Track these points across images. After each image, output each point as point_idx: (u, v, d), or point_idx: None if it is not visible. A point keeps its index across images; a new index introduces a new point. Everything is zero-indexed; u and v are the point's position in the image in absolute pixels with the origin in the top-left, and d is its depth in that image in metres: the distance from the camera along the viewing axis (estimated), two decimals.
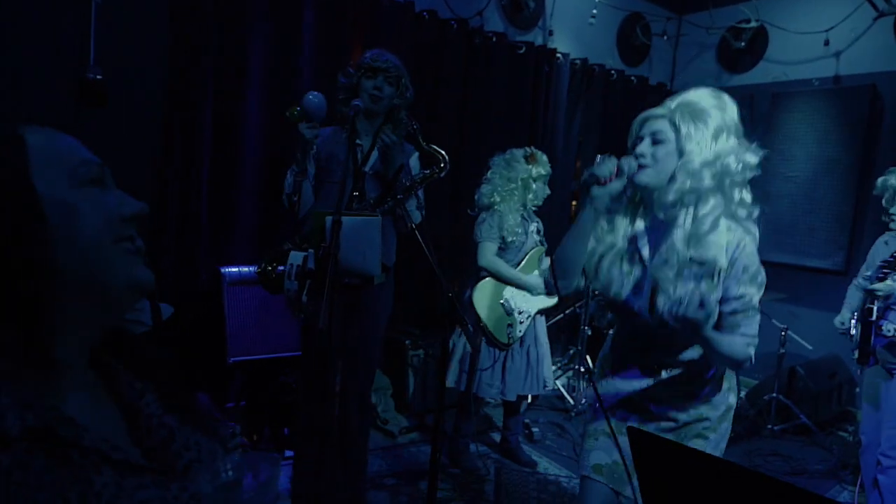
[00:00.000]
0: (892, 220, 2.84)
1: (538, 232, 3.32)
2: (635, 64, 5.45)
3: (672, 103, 1.64)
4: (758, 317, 1.63)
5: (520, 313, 3.19)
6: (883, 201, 2.95)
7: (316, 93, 2.34)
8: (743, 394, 4.26)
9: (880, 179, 2.94)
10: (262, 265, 2.38)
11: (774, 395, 4.13)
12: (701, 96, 1.62)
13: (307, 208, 2.49)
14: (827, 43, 4.58)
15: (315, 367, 2.49)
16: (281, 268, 2.31)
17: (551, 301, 3.21)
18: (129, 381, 0.77)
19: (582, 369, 4.24)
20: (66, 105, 2.86)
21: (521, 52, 4.60)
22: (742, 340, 1.60)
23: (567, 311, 4.58)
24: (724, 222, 1.58)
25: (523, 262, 3.23)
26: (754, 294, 1.60)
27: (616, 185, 1.62)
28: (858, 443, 3.20)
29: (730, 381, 1.81)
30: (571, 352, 4.53)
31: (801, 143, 4.79)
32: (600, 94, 5.18)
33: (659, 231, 1.68)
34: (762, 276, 1.61)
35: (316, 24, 3.63)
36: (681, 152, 1.60)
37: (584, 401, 4.19)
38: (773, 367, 4.17)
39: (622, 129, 5.71)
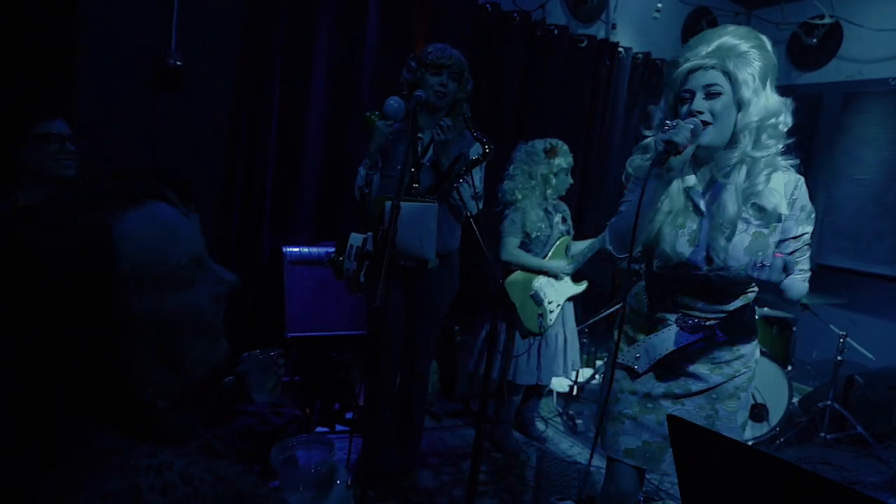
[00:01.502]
0: None
1: (563, 221, 3.36)
2: None
3: (709, 47, 1.54)
4: (809, 251, 1.66)
5: (549, 303, 3.27)
6: None
7: (396, 97, 2.45)
8: (796, 400, 4.16)
9: None
10: (333, 255, 2.50)
11: (829, 402, 4.01)
12: (739, 35, 1.55)
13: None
14: None
15: (373, 347, 2.61)
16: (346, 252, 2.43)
17: (580, 288, 3.33)
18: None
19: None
20: (144, 89, 3.06)
21: (583, 45, 4.58)
22: (801, 277, 1.62)
23: (616, 306, 4.57)
24: (774, 169, 1.60)
25: (550, 254, 3.29)
26: (809, 231, 1.62)
27: (691, 151, 1.55)
28: None
29: (756, 331, 1.81)
30: None
31: (872, 145, 4.60)
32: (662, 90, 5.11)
33: (716, 185, 1.66)
34: (813, 212, 1.63)
35: (380, 16, 3.73)
36: (738, 104, 1.55)
37: (597, 377, 4.19)
38: (829, 375, 4.06)
39: None
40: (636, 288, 1.89)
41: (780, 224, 1.60)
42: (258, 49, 3.36)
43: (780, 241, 1.61)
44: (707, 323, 1.71)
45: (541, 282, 3.29)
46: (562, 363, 3.37)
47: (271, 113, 3.45)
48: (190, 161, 3.17)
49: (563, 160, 3.25)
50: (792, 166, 1.63)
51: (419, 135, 2.52)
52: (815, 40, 4.95)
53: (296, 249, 3.38)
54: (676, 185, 1.68)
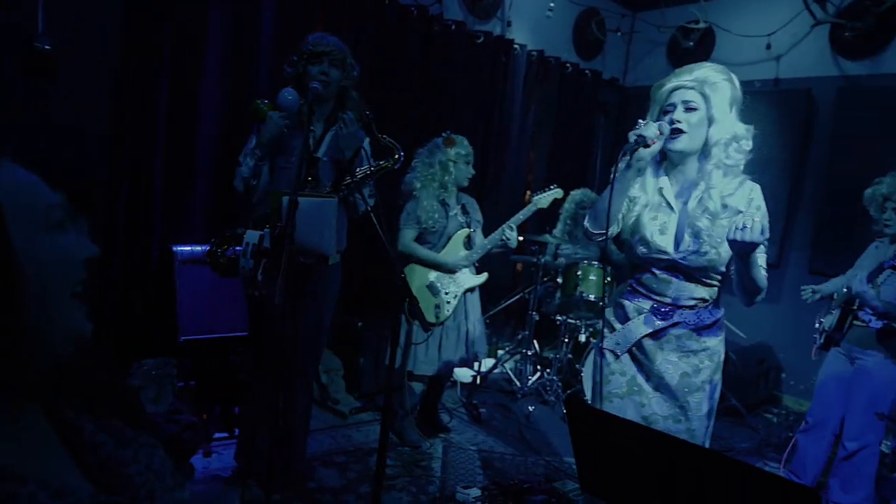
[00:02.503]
0: (888, 227, 2.99)
1: (465, 213, 3.41)
2: (590, 58, 5.60)
3: (690, 75, 1.87)
4: (765, 253, 1.87)
5: (446, 293, 3.33)
6: (871, 211, 3.09)
7: (291, 90, 2.38)
8: None
9: (868, 191, 3.07)
10: (211, 247, 2.39)
11: None
12: (715, 70, 1.89)
13: (263, 192, 2.52)
14: (769, 47, 4.81)
15: (266, 346, 2.53)
16: (231, 251, 2.33)
17: (479, 279, 3.39)
18: (71, 414, 0.75)
19: (529, 353, 4.39)
20: (11, 78, 2.79)
21: (480, 41, 4.67)
22: (763, 271, 1.84)
23: (516, 296, 4.72)
24: (740, 177, 1.92)
25: (447, 246, 3.35)
26: (768, 231, 1.80)
27: (657, 147, 1.83)
28: (791, 424, 3.45)
29: (723, 329, 2.04)
30: (520, 336, 4.66)
31: None
32: (555, 87, 5.31)
33: (683, 185, 1.95)
34: (767, 215, 1.89)
35: (275, 9, 3.62)
36: (710, 120, 1.87)
37: (529, 382, 4.35)
38: None
39: (576, 121, 5.90)
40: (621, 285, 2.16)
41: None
42: (143, 35, 3.15)
43: None
44: (677, 310, 1.96)
45: (437, 273, 3.34)
46: (464, 354, 3.43)
47: (159, 105, 3.26)
48: (68, 155, 2.92)
49: (462, 148, 3.31)
50: (749, 178, 1.93)
51: (311, 127, 2.47)
52: (691, 43, 5.32)
53: (187, 248, 3.22)
54: (652, 184, 1.97)
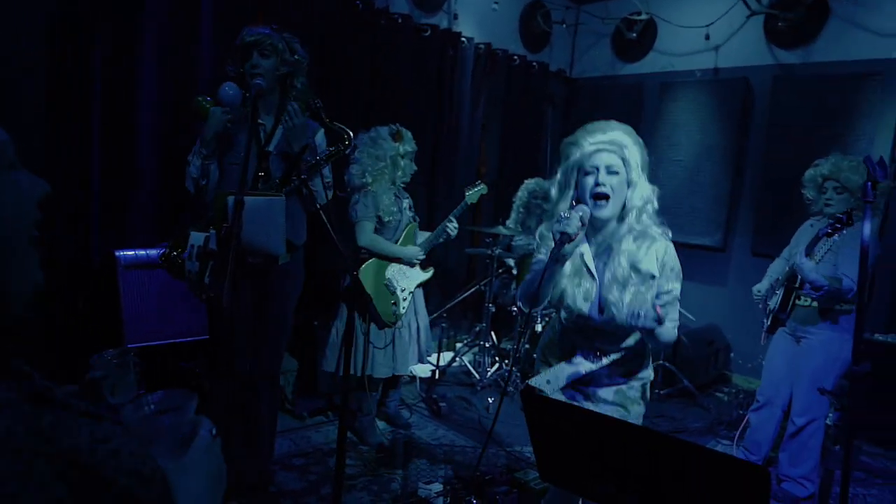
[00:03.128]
0: (828, 206, 3.09)
1: (410, 208, 3.42)
2: (537, 50, 5.64)
3: (605, 136, 1.92)
4: (678, 305, 1.97)
5: (402, 290, 3.32)
6: (808, 191, 3.18)
7: (231, 84, 2.31)
8: None
9: (808, 171, 3.17)
10: (166, 250, 2.32)
11: (661, 362, 4.48)
12: (626, 132, 1.95)
13: (215, 191, 2.45)
14: (707, 37, 4.94)
15: (220, 350, 2.47)
16: (186, 253, 2.26)
17: (427, 275, 3.41)
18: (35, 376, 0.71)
19: (487, 345, 4.41)
20: None
21: (427, 34, 4.65)
22: (671, 325, 1.92)
23: (472, 289, 4.73)
24: (650, 238, 1.95)
25: (402, 240, 3.35)
26: (678, 287, 1.95)
27: (581, 236, 1.88)
28: (741, 402, 3.57)
29: (649, 358, 2.15)
30: (477, 329, 4.68)
31: (685, 129, 5.16)
32: (504, 79, 5.33)
33: (602, 248, 2.00)
34: (681, 272, 1.97)
35: (214, 3, 3.51)
36: (629, 183, 1.93)
37: (488, 374, 4.37)
38: None
39: (524, 113, 5.95)
40: (554, 321, 2.20)
41: (654, 282, 1.93)
42: (75, 29, 3.01)
43: (655, 296, 1.94)
44: (606, 358, 2.04)
45: (393, 270, 3.32)
46: (416, 351, 3.42)
47: (92, 103, 3.12)
48: None
49: (409, 145, 3.30)
50: (662, 235, 1.97)
51: (260, 121, 2.41)
52: (634, 35, 5.42)
53: (130, 252, 3.10)
54: (575, 252, 2.00)
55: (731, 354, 5.00)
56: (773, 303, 3.19)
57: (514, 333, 4.36)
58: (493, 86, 5.29)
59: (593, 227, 1.99)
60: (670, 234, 1.99)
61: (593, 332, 2.02)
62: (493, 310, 4.42)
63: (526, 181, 4.59)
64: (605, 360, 2.03)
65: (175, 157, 3.40)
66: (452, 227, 3.41)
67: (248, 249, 1.99)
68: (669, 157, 5.25)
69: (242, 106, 2.38)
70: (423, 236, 3.48)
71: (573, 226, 1.82)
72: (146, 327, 3.10)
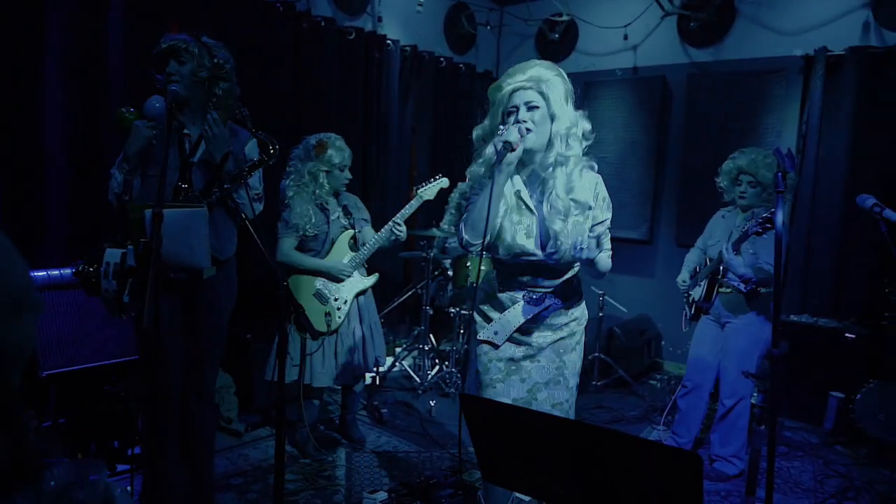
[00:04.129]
0: (742, 198, 3.22)
1: (348, 214, 3.33)
2: (463, 52, 5.68)
3: (524, 75, 1.95)
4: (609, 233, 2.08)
5: (336, 300, 3.24)
6: (722, 181, 3.30)
7: (159, 97, 2.18)
8: None
9: (725, 164, 3.28)
10: (80, 266, 2.17)
11: (597, 354, 4.59)
12: (546, 67, 1.98)
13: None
14: (626, 37, 5.12)
15: (147, 371, 2.34)
16: (102, 269, 2.13)
17: (369, 281, 3.32)
18: None
19: (426, 348, 4.40)
20: None
21: (352, 37, 4.59)
22: (607, 254, 2.04)
23: (409, 293, 4.71)
24: (579, 167, 2.01)
25: (332, 251, 3.27)
26: (609, 216, 2.06)
27: (520, 149, 1.91)
28: (673, 388, 3.70)
29: (582, 292, 2.23)
30: (416, 332, 4.66)
31: (609, 127, 5.32)
32: (431, 81, 5.34)
33: (535, 183, 2.04)
34: (610, 203, 2.07)
35: (123, 6, 3.34)
36: (551, 116, 1.96)
37: (429, 377, 4.36)
38: (594, 330, 4.64)
39: (453, 115, 5.96)
40: (488, 274, 2.23)
41: (591, 212, 2.00)
42: None
43: (591, 226, 2.02)
44: (547, 294, 2.08)
45: (323, 279, 3.25)
46: (362, 359, 3.35)
47: None
48: None
49: (336, 155, 3.19)
50: (591, 167, 2.04)
51: (185, 131, 2.30)
52: (557, 35, 5.55)
53: (42, 273, 2.90)
54: (508, 188, 2.02)
55: (662, 343, 5.19)
56: (697, 294, 3.33)
57: (454, 334, 4.37)
58: (421, 88, 5.29)
59: (522, 164, 2.02)
60: (596, 166, 2.06)
61: (537, 268, 2.05)
62: (431, 312, 4.41)
63: (459, 184, 4.59)
64: (547, 301, 2.08)
65: (88, 170, 3.24)
66: (401, 230, 3.27)
67: (170, 264, 1.90)
68: (595, 153, 5.25)
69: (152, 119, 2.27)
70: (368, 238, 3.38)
71: (514, 135, 1.86)
72: (62, 352, 2.90)
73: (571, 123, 1.97)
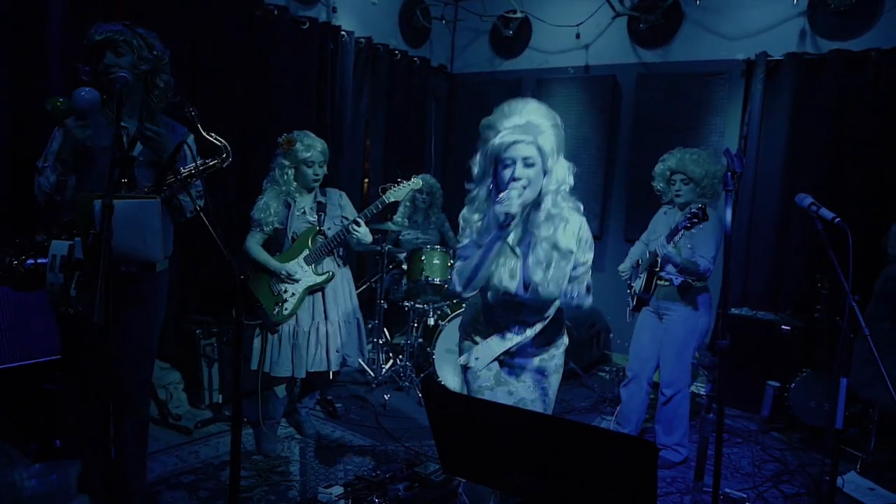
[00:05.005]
0: (679, 196, 3.33)
1: (319, 211, 3.30)
2: (418, 45, 5.67)
3: (521, 120, 1.93)
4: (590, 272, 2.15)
5: (284, 292, 3.23)
6: (658, 183, 3.44)
7: (88, 88, 2.04)
8: None
9: (657, 167, 3.42)
10: (4, 259, 2.06)
11: None
12: (543, 115, 1.96)
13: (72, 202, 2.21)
14: (578, 36, 5.21)
15: (86, 369, 2.26)
16: (30, 261, 2.03)
17: (319, 279, 3.27)
18: None
19: (381, 342, 4.39)
20: None
21: (306, 27, 4.51)
22: (587, 292, 2.09)
23: (363, 286, 4.69)
24: (565, 219, 2.04)
25: (293, 246, 3.26)
26: (591, 256, 2.12)
27: (518, 216, 1.94)
28: (620, 379, 3.81)
29: (564, 323, 2.33)
30: (370, 326, 4.64)
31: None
32: (386, 74, 5.30)
33: (522, 230, 2.08)
34: (593, 242, 2.13)
35: None
36: (545, 171, 1.98)
37: (383, 371, 4.36)
38: None
39: (408, 108, 5.94)
40: (476, 300, 2.28)
41: (573, 256, 2.05)
42: None
43: (573, 267, 2.08)
44: (531, 329, 2.16)
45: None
46: (324, 355, 3.28)
47: None
48: None
49: (305, 151, 3.16)
50: (575, 210, 2.07)
51: (123, 124, 2.21)
52: (511, 32, 5.60)
53: None
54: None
55: (611, 335, 5.34)
56: (638, 285, 3.44)
57: (408, 328, 4.37)
58: (376, 81, 5.25)
59: None
60: (581, 207, 2.10)
61: (518, 306, 2.12)
62: (385, 306, 4.40)
63: (413, 178, 4.59)
64: (529, 332, 2.15)
65: (24, 162, 3.07)
66: (360, 230, 3.19)
67: (121, 257, 1.84)
68: None
69: (104, 109, 2.17)
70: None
71: (515, 207, 1.89)
72: None
73: (561, 181, 2.00)
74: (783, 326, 4.09)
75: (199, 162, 2.35)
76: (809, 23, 4.30)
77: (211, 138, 2.27)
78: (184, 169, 2.28)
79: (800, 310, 4.22)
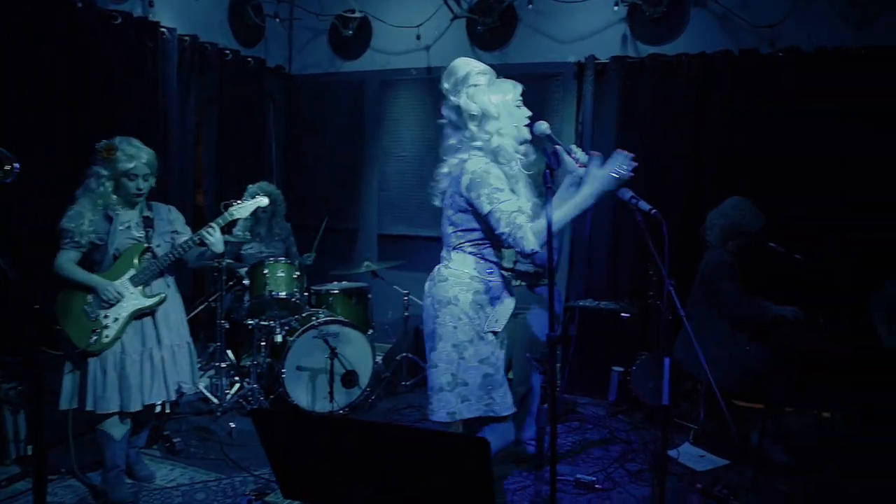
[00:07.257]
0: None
1: (146, 226, 2.96)
2: (251, 45, 5.35)
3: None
4: None
5: (106, 317, 2.84)
6: None
7: None
8: (379, 358, 4.62)
9: None
10: None
11: (405, 354, 4.60)
12: None
13: None
14: (419, 37, 5.19)
15: None
16: None
17: (148, 302, 2.91)
18: None
19: (224, 365, 4.04)
20: None
21: (118, 22, 4.05)
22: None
23: (201, 306, 4.30)
24: None
25: (116, 264, 2.89)
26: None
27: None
28: None
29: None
30: (211, 349, 4.27)
31: (406, 125, 5.37)
32: (216, 76, 4.92)
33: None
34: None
35: None
36: None
37: (228, 396, 4.02)
38: (402, 329, 4.65)
39: (243, 112, 5.58)
40: (463, 277, 2.47)
41: None
42: None
43: None
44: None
45: (94, 294, 2.83)
46: (162, 383, 2.93)
47: None
48: None
49: (127, 161, 2.81)
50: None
51: None
52: (351, 32, 5.45)
53: None
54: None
55: None
56: None
57: (254, 348, 4.07)
58: (205, 83, 4.85)
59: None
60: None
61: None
62: (227, 326, 4.06)
63: (249, 187, 4.30)
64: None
65: None
66: (215, 237, 2.95)
67: None
68: (394, 152, 5.43)
69: None
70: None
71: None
72: None
73: None
74: (622, 314, 4.33)
75: None
76: (630, 29, 4.61)
77: None
78: None
79: (636, 297, 4.50)
